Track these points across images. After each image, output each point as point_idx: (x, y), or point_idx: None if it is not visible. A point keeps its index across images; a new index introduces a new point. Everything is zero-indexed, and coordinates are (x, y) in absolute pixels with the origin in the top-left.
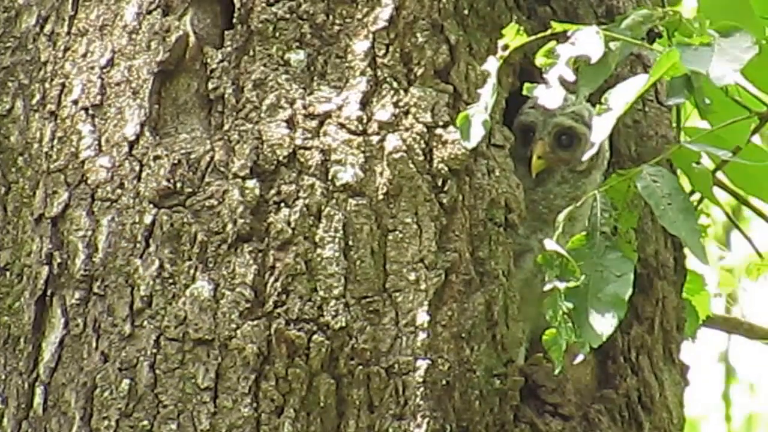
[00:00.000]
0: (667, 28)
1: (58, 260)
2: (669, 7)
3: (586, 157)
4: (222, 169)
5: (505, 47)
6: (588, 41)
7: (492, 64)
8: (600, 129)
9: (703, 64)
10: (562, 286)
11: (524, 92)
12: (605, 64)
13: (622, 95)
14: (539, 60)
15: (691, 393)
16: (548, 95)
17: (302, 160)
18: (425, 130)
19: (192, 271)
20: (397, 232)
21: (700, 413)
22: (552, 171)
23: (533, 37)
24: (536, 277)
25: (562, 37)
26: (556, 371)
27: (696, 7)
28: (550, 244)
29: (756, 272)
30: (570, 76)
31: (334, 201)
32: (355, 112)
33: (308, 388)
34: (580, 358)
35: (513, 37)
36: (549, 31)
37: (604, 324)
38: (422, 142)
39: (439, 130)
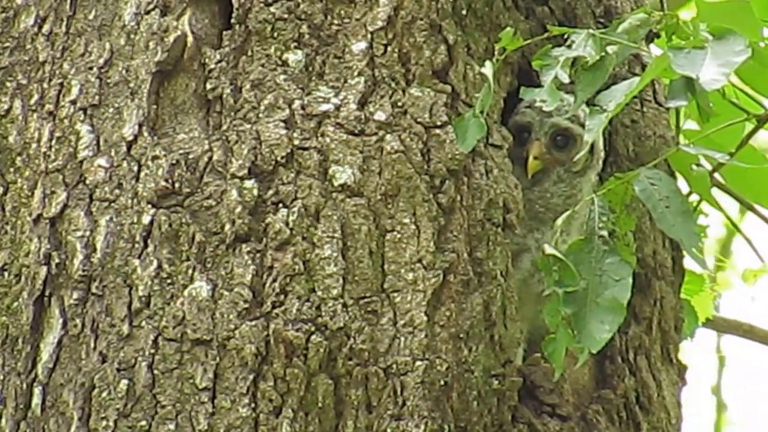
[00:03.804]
0: (665, 31)
1: (57, 260)
2: (667, 10)
3: (577, 157)
4: (220, 169)
5: (502, 51)
6: (584, 44)
7: (488, 69)
8: (592, 129)
9: (693, 68)
10: (560, 291)
11: (521, 95)
12: (603, 68)
13: (615, 97)
14: (536, 62)
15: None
16: (545, 98)
17: (300, 160)
18: (423, 130)
19: (190, 272)
20: (395, 233)
21: None
22: (548, 171)
23: (529, 41)
24: (533, 277)
25: (559, 39)
26: (556, 377)
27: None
28: (549, 249)
29: (752, 278)
30: (565, 79)
31: (332, 201)
32: (353, 112)
33: (306, 388)
34: (579, 363)
35: (509, 42)
36: (546, 34)
37: (602, 329)
38: (420, 142)
39: (437, 130)
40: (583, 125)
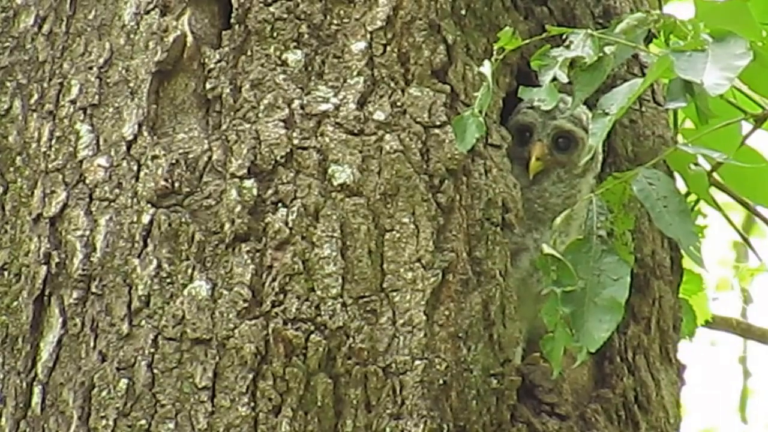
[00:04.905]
0: (662, 31)
1: (56, 260)
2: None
3: (582, 162)
4: (220, 168)
5: (501, 51)
6: (582, 44)
7: (487, 68)
8: (595, 134)
9: (696, 73)
10: (559, 290)
11: (519, 95)
12: (601, 68)
13: (617, 100)
14: (534, 63)
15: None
16: (544, 98)
17: (300, 159)
18: (422, 129)
19: (190, 271)
20: (394, 232)
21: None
22: (548, 171)
23: (528, 41)
24: (532, 276)
25: (558, 40)
26: (554, 376)
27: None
28: (547, 249)
29: (748, 276)
30: (564, 79)
31: (331, 201)
32: (352, 111)
33: (306, 387)
34: (578, 362)
35: (507, 41)
36: (545, 34)
37: (601, 328)
38: (419, 141)
39: (436, 130)
40: (584, 128)
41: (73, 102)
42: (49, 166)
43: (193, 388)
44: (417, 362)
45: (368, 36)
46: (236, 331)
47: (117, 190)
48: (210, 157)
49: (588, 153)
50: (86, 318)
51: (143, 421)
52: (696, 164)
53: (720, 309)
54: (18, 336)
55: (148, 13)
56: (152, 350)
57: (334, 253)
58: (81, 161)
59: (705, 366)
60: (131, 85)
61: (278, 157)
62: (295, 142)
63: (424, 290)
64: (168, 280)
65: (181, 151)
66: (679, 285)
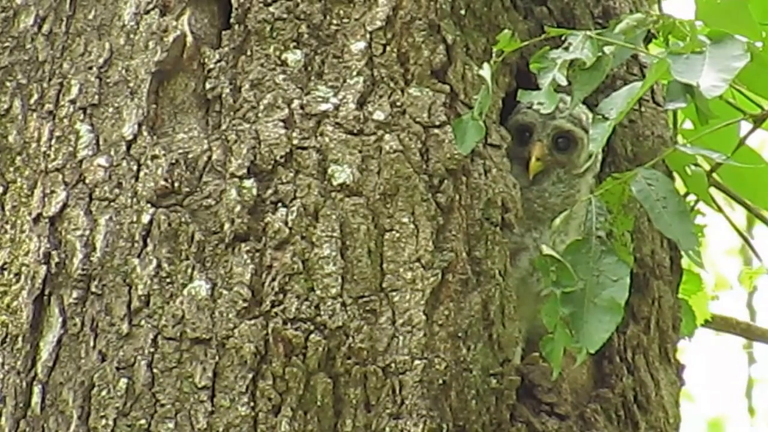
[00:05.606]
0: (661, 31)
1: (56, 260)
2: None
3: (585, 166)
4: (219, 168)
5: (500, 53)
6: (581, 46)
7: (486, 71)
8: (596, 139)
9: (693, 75)
10: (558, 291)
11: (519, 98)
12: (599, 68)
13: (616, 104)
14: (533, 65)
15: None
16: (543, 100)
17: (299, 159)
18: (422, 129)
19: (189, 271)
20: (393, 232)
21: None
22: (547, 171)
23: (527, 42)
24: (532, 276)
25: (558, 40)
26: (554, 376)
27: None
28: (546, 250)
29: (749, 279)
30: (563, 82)
31: (331, 201)
32: (352, 111)
33: (305, 387)
34: (577, 363)
35: (506, 44)
36: (544, 36)
37: (600, 329)
38: (419, 141)
39: (435, 130)
40: (584, 128)
41: (73, 102)
42: (49, 166)
43: (193, 388)
44: (416, 362)
45: (368, 36)
46: (236, 330)
47: (117, 190)
48: (210, 157)
49: (589, 159)
50: (86, 318)
51: (143, 421)
52: (696, 165)
53: (721, 303)
54: (18, 336)
55: (147, 13)
56: (152, 350)
57: (334, 253)
58: (81, 161)
59: (711, 354)
60: (131, 85)
61: (278, 157)
62: (295, 142)
63: (423, 290)
64: (168, 280)
65: (180, 151)
66: (679, 285)
